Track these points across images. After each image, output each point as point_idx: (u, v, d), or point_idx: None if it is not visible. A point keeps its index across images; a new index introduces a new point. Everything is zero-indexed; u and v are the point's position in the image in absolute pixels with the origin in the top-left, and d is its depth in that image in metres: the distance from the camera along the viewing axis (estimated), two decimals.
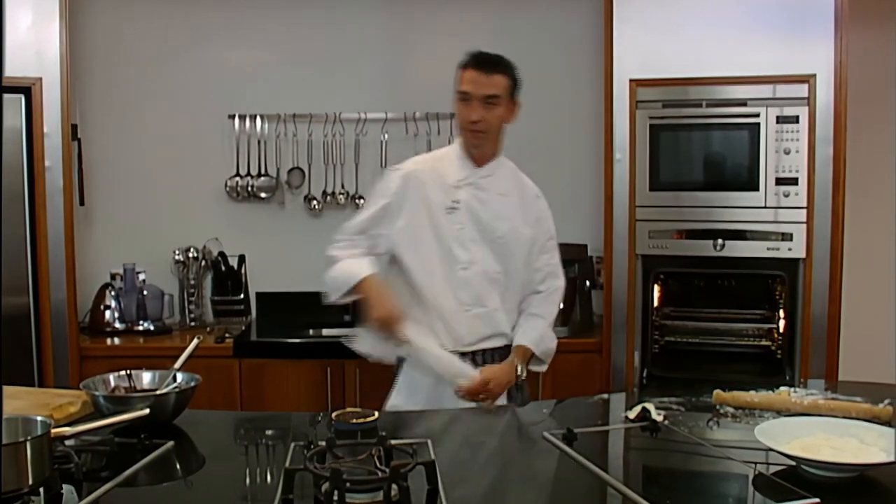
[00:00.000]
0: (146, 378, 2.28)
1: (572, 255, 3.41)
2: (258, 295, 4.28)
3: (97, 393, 2.12)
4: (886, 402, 2.14)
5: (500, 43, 4.23)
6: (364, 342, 2.74)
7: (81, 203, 4.04)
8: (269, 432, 2.30)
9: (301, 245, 4.27)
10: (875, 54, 4.35)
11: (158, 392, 2.16)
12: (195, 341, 2.37)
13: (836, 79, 3.38)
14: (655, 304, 3.64)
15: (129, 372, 2.28)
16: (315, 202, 4.23)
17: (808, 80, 3.40)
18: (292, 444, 1.86)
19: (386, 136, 4.22)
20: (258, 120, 4.20)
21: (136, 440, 1.90)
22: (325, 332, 4.08)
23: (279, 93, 4.23)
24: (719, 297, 3.69)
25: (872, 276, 4.44)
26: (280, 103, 4.21)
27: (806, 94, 3.41)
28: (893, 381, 2.63)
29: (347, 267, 2.63)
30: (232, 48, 4.27)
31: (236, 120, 4.20)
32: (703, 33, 3.50)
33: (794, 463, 1.73)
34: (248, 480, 1.88)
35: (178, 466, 1.91)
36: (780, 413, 2.17)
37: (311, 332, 4.07)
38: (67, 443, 1.81)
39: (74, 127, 3.89)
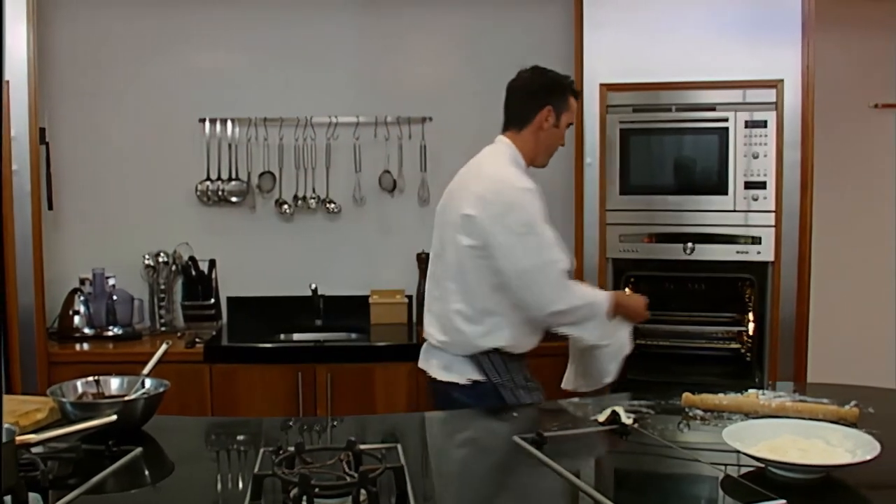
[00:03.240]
0: (114, 384, 2.27)
1: None
2: (229, 300, 4.26)
3: (64, 399, 2.10)
4: (853, 403, 2.17)
5: (471, 47, 4.30)
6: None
7: (50, 207, 4.00)
8: (239, 438, 2.28)
9: (272, 249, 4.26)
10: (841, 59, 4.40)
11: (126, 398, 2.14)
12: (164, 347, 2.36)
13: (804, 84, 3.42)
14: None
15: (96, 378, 2.26)
16: (286, 206, 4.22)
17: (776, 85, 3.44)
18: (261, 450, 1.85)
19: (357, 140, 4.21)
20: (229, 124, 4.18)
21: (103, 447, 1.88)
22: (297, 336, 4.08)
23: (250, 96, 4.22)
24: (689, 301, 3.72)
25: (840, 279, 4.49)
26: (251, 107, 4.19)
27: (774, 99, 3.45)
28: (861, 383, 2.66)
29: (590, 307, 2.64)
30: (203, 52, 4.25)
31: (207, 124, 4.17)
32: (673, 39, 3.53)
33: (761, 465, 1.74)
34: (216, 486, 1.87)
35: (146, 473, 1.89)
36: (748, 415, 2.19)
37: (282, 336, 4.06)
38: (34, 450, 1.79)
39: (43, 130, 3.85)
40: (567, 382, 2.87)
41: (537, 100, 2.76)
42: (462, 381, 2.66)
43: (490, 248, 2.58)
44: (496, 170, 2.70)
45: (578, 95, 2.89)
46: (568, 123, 2.82)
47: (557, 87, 2.80)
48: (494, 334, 2.64)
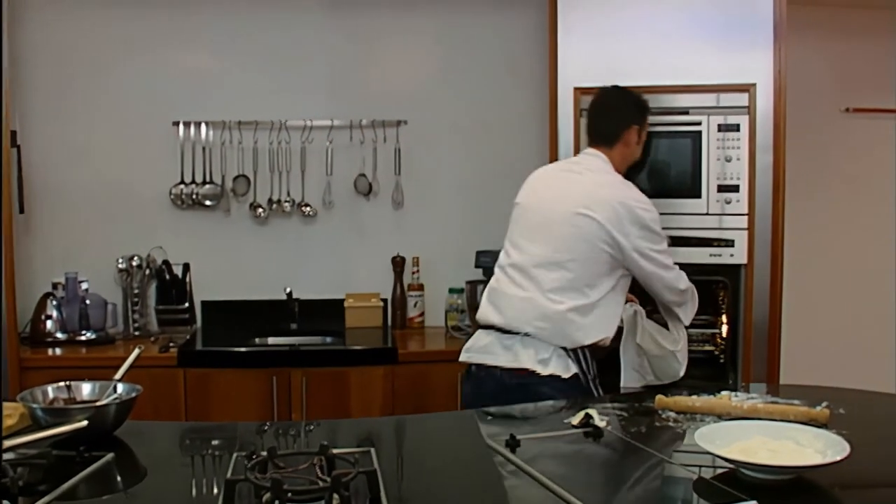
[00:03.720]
0: (86, 389, 2.24)
1: None
2: (203, 303, 4.24)
3: (34, 405, 2.08)
4: (823, 404, 2.19)
5: (445, 51, 4.31)
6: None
7: (21, 211, 3.97)
8: (214, 442, 2.27)
9: (247, 253, 4.25)
10: (813, 64, 4.45)
11: (98, 403, 2.13)
12: (136, 351, 2.34)
13: (776, 88, 3.44)
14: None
15: (68, 383, 2.24)
16: (261, 210, 4.20)
17: (748, 89, 3.46)
18: (234, 455, 1.84)
19: (332, 143, 4.20)
20: (203, 127, 4.17)
21: (74, 453, 1.87)
22: (272, 340, 4.07)
23: (224, 100, 4.20)
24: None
25: (813, 281, 4.54)
26: (225, 110, 4.18)
27: (746, 103, 3.47)
28: (832, 384, 2.69)
29: (692, 289, 3.03)
30: (176, 54, 4.23)
31: (181, 127, 4.16)
32: (646, 43, 3.54)
33: (733, 466, 1.75)
34: (189, 492, 1.85)
35: (118, 479, 1.88)
36: (720, 417, 2.20)
37: (256, 340, 4.05)
38: (4, 456, 1.77)
39: (14, 133, 3.82)
40: (629, 380, 2.96)
41: (625, 118, 3.00)
42: (566, 374, 2.72)
43: (623, 252, 2.78)
44: (624, 188, 2.91)
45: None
46: (643, 139, 3.08)
47: (642, 107, 3.05)
48: (598, 327, 2.77)
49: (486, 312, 2.91)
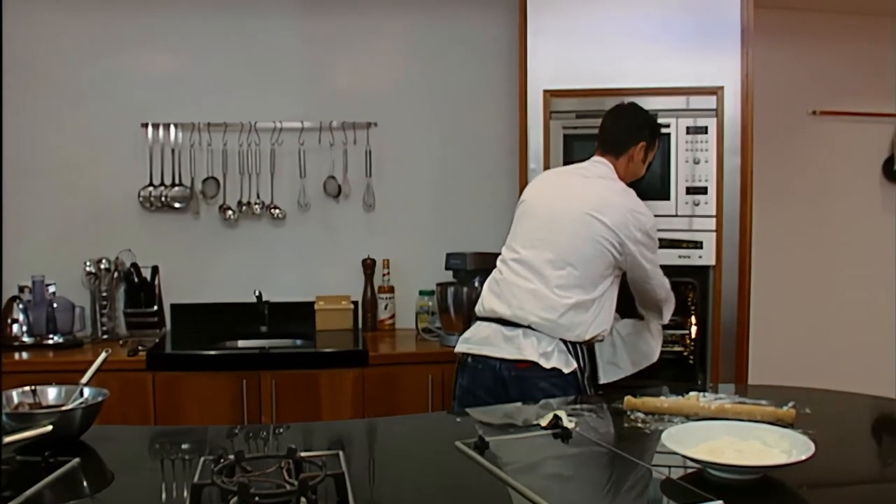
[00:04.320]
0: (51, 393, 2.22)
1: (487, 264, 3.41)
2: (173, 307, 4.21)
3: None
4: (790, 404, 2.21)
5: (416, 53, 4.31)
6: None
7: None
8: (182, 446, 2.25)
9: (216, 255, 4.23)
10: (781, 67, 4.49)
11: (64, 408, 2.11)
12: (103, 355, 2.32)
13: (743, 91, 3.47)
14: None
15: (33, 388, 2.22)
16: (230, 212, 4.18)
17: (716, 92, 3.49)
18: (202, 459, 1.83)
19: (302, 145, 4.19)
20: (172, 129, 4.14)
21: (39, 458, 1.85)
22: (241, 343, 4.05)
23: (193, 101, 4.18)
24: (632, 304, 3.74)
25: (780, 282, 4.58)
26: (194, 112, 4.16)
27: (715, 106, 3.50)
28: (799, 384, 2.72)
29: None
30: (145, 55, 4.20)
31: (149, 129, 4.13)
32: (616, 45, 3.56)
33: (700, 466, 1.77)
34: (156, 496, 1.84)
35: (84, 484, 1.86)
36: (688, 417, 2.22)
37: (226, 343, 4.02)
38: None
39: None
40: (608, 375, 3.05)
41: (637, 133, 3.06)
42: (566, 370, 2.77)
43: (627, 255, 2.88)
44: (631, 197, 2.99)
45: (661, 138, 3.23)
46: (650, 161, 3.16)
47: (655, 128, 3.13)
48: (598, 322, 2.85)
49: (490, 303, 2.93)
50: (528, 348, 2.78)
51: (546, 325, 2.78)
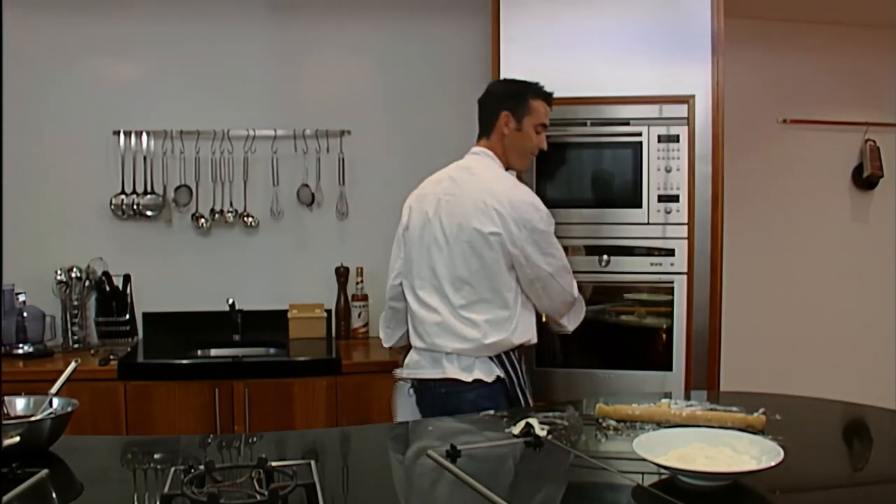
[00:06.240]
0: (20, 404, 2.20)
1: None
2: (145, 315, 4.19)
3: None
4: (760, 411, 2.23)
5: (389, 61, 4.31)
6: None
7: None
8: (154, 456, 2.23)
9: (189, 264, 4.21)
10: (751, 76, 4.54)
11: (32, 419, 2.09)
12: (73, 364, 2.30)
13: (714, 100, 3.50)
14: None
15: (1, 398, 2.20)
16: (203, 220, 4.16)
17: (687, 100, 3.51)
18: (172, 469, 1.82)
19: (275, 153, 4.18)
20: (144, 136, 4.12)
21: (7, 470, 1.83)
22: (214, 352, 4.03)
23: (166, 109, 4.16)
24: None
25: (752, 289, 4.62)
26: (167, 119, 4.14)
27: (686, 115, 3.52)
28: (769, 391, 2.74)
29: (580, 299, 3.09)
30: (117, 62, 4.17)
31: (121, 136, 4.10)
32: (589, 55, 3.58)
33: (671, 473, 1.78)
34: None
35: (53, 495, 1.84)
36: (660, 424, 2.23)
37: (199, 352, 4.00)
38: None
39: None
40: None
41: (495, 107, 2.97)
42: (489, 378, 2.76)
43: (519, 259, 2.77)
44: (510, 189, 2.85)
45: (547, 97, 3.02)
46: (535, 126, 2.98)
47: (513, 93, 2.98)
48: (518, 332, 2.81)
49: (411, 336, 2.97)
50: (449, 367, 2.80)
51: (464, 351, 2.79)
